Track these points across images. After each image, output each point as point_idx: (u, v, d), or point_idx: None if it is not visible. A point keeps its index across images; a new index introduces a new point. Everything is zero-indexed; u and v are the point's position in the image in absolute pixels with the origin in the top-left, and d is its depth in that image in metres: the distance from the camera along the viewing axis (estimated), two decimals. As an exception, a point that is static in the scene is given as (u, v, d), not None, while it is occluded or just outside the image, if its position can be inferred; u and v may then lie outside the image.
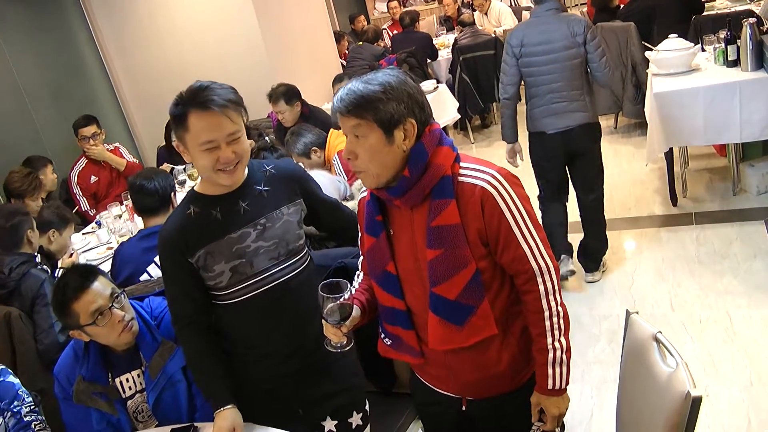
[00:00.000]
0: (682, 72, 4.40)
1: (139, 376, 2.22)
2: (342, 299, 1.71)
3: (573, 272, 4.00)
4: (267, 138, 3.49)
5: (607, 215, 4.06)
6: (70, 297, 2.10)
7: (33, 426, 2.23)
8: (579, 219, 4.00)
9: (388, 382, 2.64)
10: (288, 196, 2.08)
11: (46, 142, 5.51)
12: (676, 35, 4.46)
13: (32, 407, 2.24)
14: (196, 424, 2.03)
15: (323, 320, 1.74)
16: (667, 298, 3.64)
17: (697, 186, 4.81)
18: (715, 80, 4.15)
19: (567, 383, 1.74)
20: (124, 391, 2.21)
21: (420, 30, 7.86)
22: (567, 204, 3.96)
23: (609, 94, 6.00)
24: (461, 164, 1.68)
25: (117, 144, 5.49)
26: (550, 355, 1.70)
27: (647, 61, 4.84)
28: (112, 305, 2.11)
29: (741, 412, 2.77)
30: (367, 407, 2.27)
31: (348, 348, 1.79)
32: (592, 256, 3.99)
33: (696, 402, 1.49)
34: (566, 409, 1.79)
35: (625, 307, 3.60)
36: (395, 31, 8.53)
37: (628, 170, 5.42)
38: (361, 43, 7.53)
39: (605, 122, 6.55)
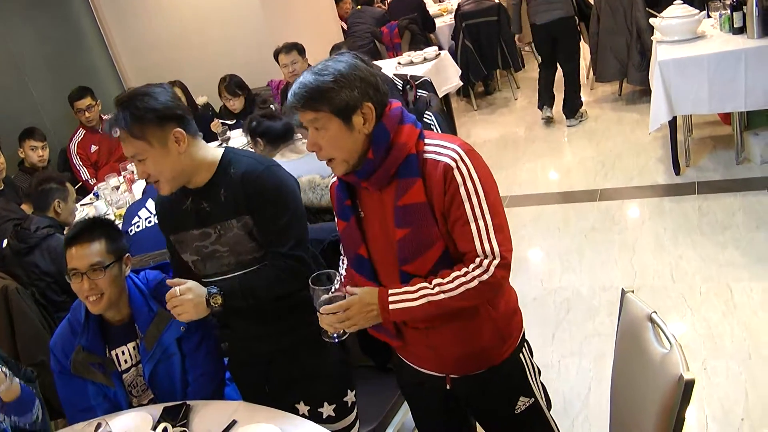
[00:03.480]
0: (688, 39, 4.33)
1: (134, 348, 2.22)
2: (332, 290, 1.68)
3: (551, 118, 6.06)
4: (272, 106, 3.50)
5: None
6: (66, 241, 2.15)
7: None
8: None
9: (383, 357, 2.64)
10: (236, 208, 1.93)
11: (44, 114, 5.47)
12: (681, 2, 4.37)
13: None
14: (188, 402, 2.04)
15: (318, 313, 1.71)
16: (668, 269, 3.61)
17: (700, 155, 4.75)
18: (720, 48, 4.08)
19: (399, 316, 1.67)
20: (119, 364, 2.22)
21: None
22: (555, 71, 5.98)
23: (614, 61, 5.92)
24: (426, 141, 1.66)
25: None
26: (432, 289, 1.62)
27: (652, 27, 4.75)
28: (85, 273, 2.09)
29: (739, 386, 2.76)
30: (346, 399, 2.18)
31: (345, 338, 1.75)
32: (570, 108, 5.94)
33: (689, 385, 1.47)
34: (364, 322, 1.69)
35: (625, 279, 3.62)
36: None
37: (631, 138, 5.37)
38: (359, 6, 7.39)
39: (610, 88, 6.50)
